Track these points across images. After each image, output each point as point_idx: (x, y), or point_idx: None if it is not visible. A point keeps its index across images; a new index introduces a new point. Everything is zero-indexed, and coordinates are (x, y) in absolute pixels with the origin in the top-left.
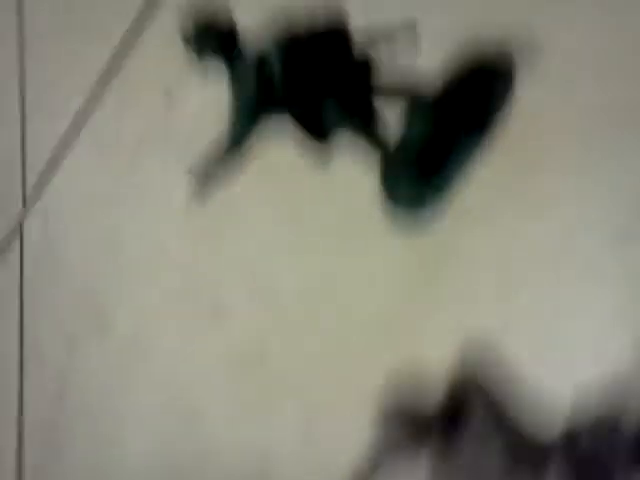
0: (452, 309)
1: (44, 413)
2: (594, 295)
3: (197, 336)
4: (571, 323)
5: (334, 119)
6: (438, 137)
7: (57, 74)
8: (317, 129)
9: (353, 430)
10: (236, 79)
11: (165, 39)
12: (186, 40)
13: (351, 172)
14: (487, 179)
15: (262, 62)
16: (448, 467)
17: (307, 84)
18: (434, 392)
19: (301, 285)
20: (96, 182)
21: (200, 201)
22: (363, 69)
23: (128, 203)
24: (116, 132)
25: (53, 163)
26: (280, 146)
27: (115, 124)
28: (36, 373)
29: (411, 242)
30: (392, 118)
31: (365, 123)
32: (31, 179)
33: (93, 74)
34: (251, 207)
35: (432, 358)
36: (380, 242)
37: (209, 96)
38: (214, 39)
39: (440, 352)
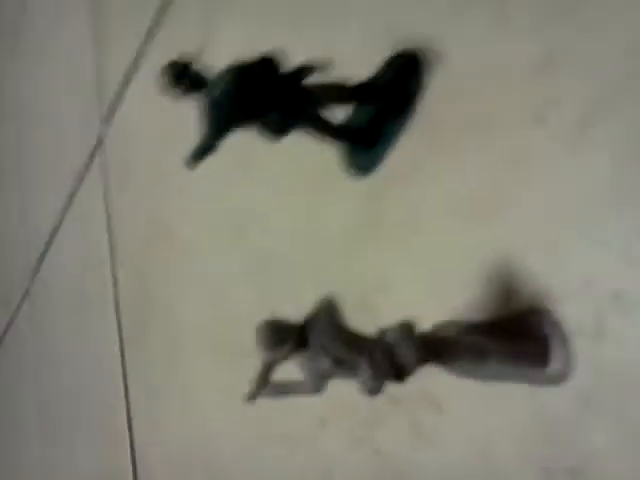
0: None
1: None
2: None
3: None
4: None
5: (283, 126)
6: (375, 118)
7: None
8: (273, 132)
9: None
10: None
11: None
12: (167, 84)
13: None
14: (409, 148)
15: (215, 90)
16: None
17: (250, 102)
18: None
19: (287, 216)
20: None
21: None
22: (294, 78)
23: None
24: None
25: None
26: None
27: None
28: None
29: (360, 189)
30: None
31: (310, 124)
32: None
33: None
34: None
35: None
36: (338, 186)
37: None
38: (188, 83)
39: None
